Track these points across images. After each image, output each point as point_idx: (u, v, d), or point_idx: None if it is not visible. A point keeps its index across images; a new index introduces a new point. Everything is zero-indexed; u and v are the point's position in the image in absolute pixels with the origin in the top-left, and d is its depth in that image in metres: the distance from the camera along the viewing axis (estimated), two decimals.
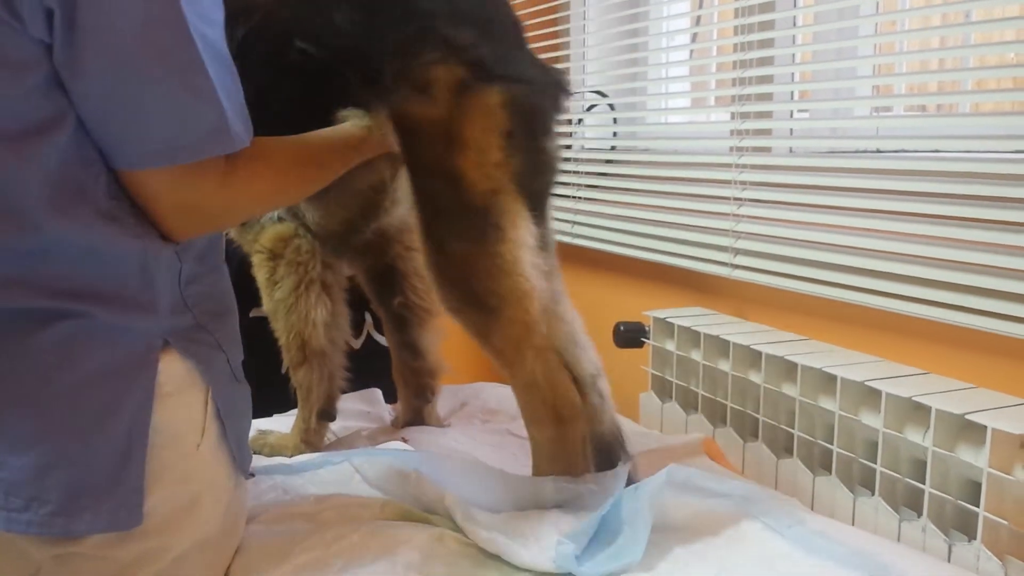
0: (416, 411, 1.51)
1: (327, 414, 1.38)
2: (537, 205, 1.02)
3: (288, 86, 1.09)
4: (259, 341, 1.63)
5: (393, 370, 1.52)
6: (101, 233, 0.84)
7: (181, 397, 0.90)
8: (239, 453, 0.99)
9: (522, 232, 1.00)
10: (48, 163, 0.80)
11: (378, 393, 1.61)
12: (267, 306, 1.33)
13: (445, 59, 0.96)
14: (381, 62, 1.00)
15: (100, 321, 0.85)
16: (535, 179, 1.02)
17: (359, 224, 1.31)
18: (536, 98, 1.01)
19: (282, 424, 1.45)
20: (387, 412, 1.60)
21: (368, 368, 1.55)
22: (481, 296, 1.01)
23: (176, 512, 0.90)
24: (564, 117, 1.13)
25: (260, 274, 1.33)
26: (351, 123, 1.07)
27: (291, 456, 1.32)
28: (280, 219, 1.31)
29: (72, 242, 0.83)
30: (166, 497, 0.88)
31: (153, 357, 0.88)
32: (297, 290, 1.31)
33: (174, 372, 0.90)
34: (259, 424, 1.45)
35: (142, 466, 0.86)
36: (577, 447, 1.10)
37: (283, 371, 1.51)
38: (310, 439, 1.35)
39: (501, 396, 1.63)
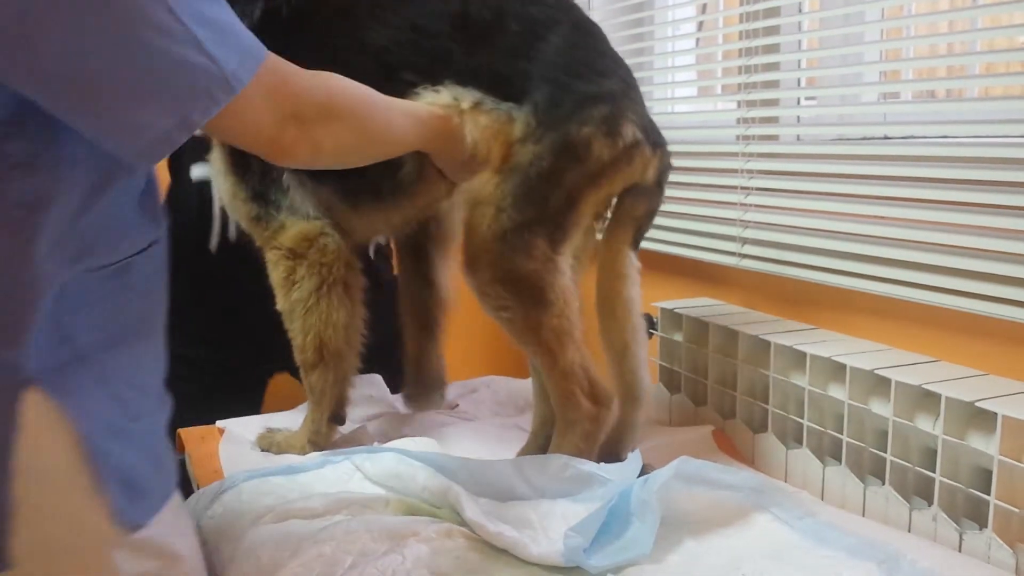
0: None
1: (338, 418, 1.37)
2: (639, 241, 1.22)
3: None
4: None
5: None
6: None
7: (43, 436, 0.80)
8: (126, 500, 0.86)
9: (570, 256, 1.17)
10: None
11: (379, 379, 1.60)
12: (282, 305, 1.31)
13: (632, 120, 1.14)
14: (534, 91, 1.13)
15: None
16: (649, 222, 1.21)
17: (401, 232, 1.39)
18: (668, 159, 1.20)
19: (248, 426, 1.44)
20: (391, 398, 1.59)
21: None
22: (542, 290, 1.13)
23: (42, 559, 0.81)
24: None
25: (276, 273, 1.30)
26: (431, 106, 1.12)
27: (299, 454, 1.32)
28: (308, 217, 1.29)
29: None
30: (31, 541, 0.80)
31: (10, 397, 0.78)
32: (319, 291, 1.28)
33: (35, 409, 0.79)
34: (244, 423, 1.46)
35: (6, 509, 0.78)
36: (602, 432, 1.19)
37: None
38: (318, 441, 1.34)
39: (512, 389, 1.63)
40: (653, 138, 1.16)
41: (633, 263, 1.20)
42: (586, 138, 1.11)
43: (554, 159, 1.11)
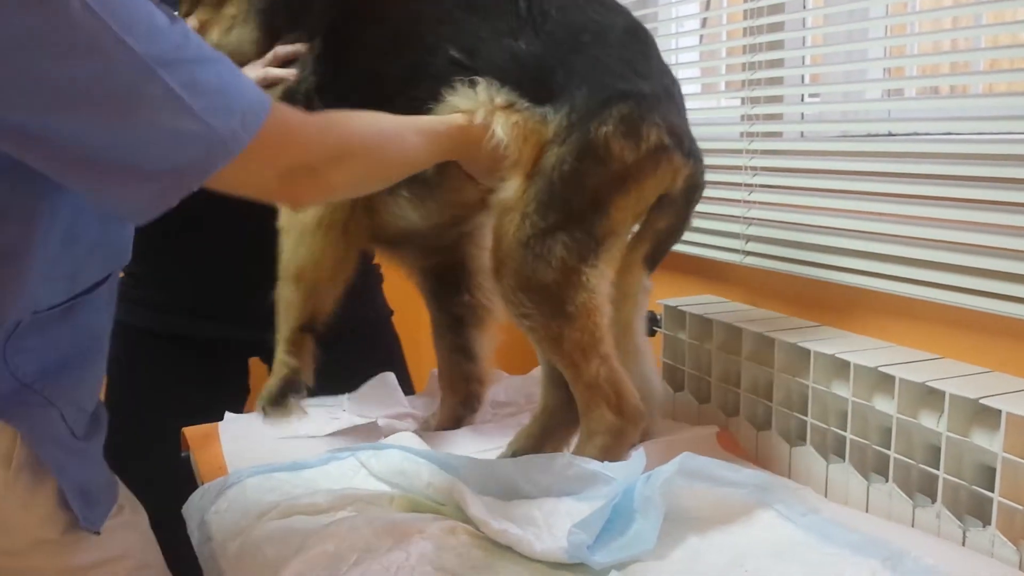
0: (458, 420, 1.48)
1: (310, 328, 1.32)
2: (656, 261, 1.17)
3: (423, 87, 1.13)
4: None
5: (439, 376, 1.50)
6: None
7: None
8: (86, 508, 0.95)
9: (610, 270, 1.12)
10: None
11: (391, 377, 1.59)
12: (282, 220, 1.28)
13: (661, 123, 1.10)
14: (570, 89, 1.10)
15: None
16: (671, 240, 1.17)
17: (444, 232, 1.33)
18: (701, 176, 1.16)
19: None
20: (404, 399, 1.59)
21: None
22: (562, 302, 1.10)
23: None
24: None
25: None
26: (455, 115, 1.09)
27: (281, 380, 1.29)
28: None
29: None
30: None
31: None
32: (317, 225, 1.26)
33: None
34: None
35: None
36: (624, 447, 1.15)
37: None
38: (296, 352, 1.29)
39: (510, 387, 1.62)
40: (686, 147, 1.13)
41: (642, 284, 1.15)
42: (604, 138, 1.08)
43: (576, 161, 1.08)
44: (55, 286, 0.90)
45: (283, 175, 0.88)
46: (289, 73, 1.27)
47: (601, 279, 1.11)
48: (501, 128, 1.08)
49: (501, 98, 1.10)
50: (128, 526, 1.03)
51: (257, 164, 0.84)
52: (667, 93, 1.14)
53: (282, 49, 1.29)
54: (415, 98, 1.13)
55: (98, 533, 0.97)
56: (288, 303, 1.30)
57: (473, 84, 1.11)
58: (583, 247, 1.09)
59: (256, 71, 1.29)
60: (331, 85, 1.22)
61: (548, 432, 1.23)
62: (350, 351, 1.48)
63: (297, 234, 1.27)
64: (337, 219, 1.26)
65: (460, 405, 1.48)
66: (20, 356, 0.88)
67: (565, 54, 1.11)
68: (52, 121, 0.74)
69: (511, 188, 1.11)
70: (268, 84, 1.24)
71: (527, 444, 1.23)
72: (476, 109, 1.09)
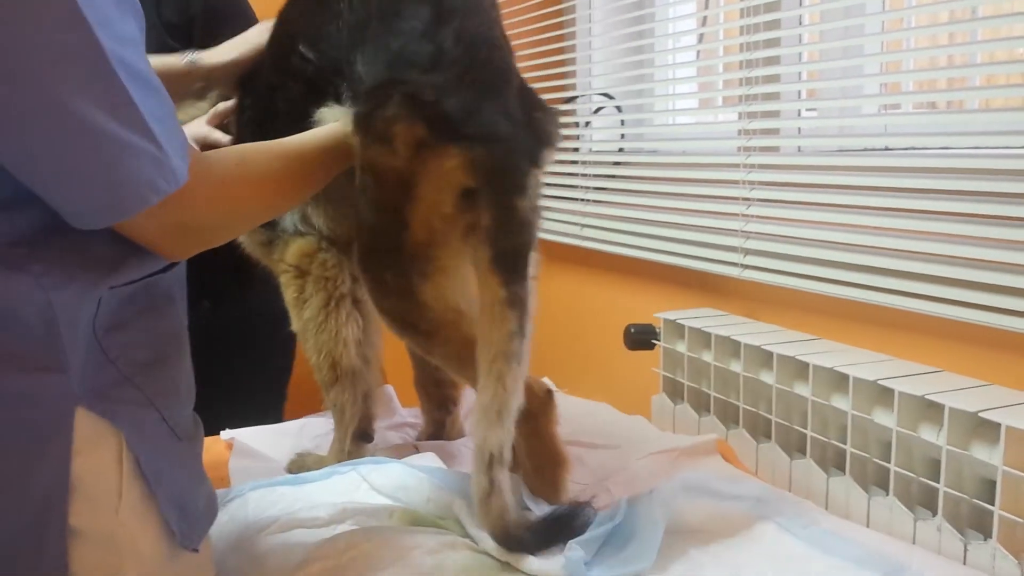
0: (439, 424, 1.50)
1: (365, 435, 1.35)
2: (510, 263, 0.98)
3: (292, 88, 1.13)
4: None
5: (414, 382, 1.51)
6: None
7: (90, 454, 0.80)
8: (180, 523, 0.87)
9: (452, 279, 1.02)
10: None
11: (390, 390, 1.60)
12: (296, 325, 1.30)
13: (406, 116, 0.95)
14: (353, 89, 1.04)
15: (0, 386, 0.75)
16: (506, 237, 0.97)
17: None
18: (503, 157, 0.97)
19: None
20: (401, 411, 1.59)
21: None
22: (413, 323, 1.05)
23: None
24: (561, 144, 1.11)
25: (288, 293, 1.30)
26: (330, 126, 1.03)
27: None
28: (300, 232, 1.29)
29: None
30: (80, 563, 0.79)
31: (66, 423, 0.78)
32: (327, 307, 1.27)
33: (85, 431, 0.79)
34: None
35: (63, 539, 0.78)
36: (553, 438, 1.12)
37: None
38: (347, 460, 1.31)
39: None
40: (464, 131, 0.95)
41: (495, 293, 0.96)
42: (361, 148, 0.98)
43: (361, 175, 1.00)
44: (122, 261, 0.83)
45: (166, 229, 0.82)
46: (226, 138, 1.33)
47: (440, 292, 1.02)
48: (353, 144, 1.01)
49: (343, 112, 1.04)
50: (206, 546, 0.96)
51: (159, 210, 0.78)
52: (448, 65, 0.98)
53: (222, 106, 1.34)
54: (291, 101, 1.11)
55: (196, 551, 0.90)
56: (341, 408, 1.31)
57: (331, 107, 1.07)
58: (404, 267, 1.01)
59: (198, 128, 1.33)
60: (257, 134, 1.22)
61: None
62: (221, 351, 1.49)
63: (313, 326, 1.28)
64: (343, 292, 1.28)
65: (436, 409, 1.50)
66: (115, 344, 0.83)
67: (362, 36, 1.04)
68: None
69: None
70: (206, 146, 1.27)
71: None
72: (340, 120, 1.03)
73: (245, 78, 1.30)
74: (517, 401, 0.97)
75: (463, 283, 1.03)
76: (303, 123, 1.06)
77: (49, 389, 0.77)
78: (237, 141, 1.27)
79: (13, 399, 0.76)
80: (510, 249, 0.98)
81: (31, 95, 0.69)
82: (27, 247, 0.76)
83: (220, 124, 1.37)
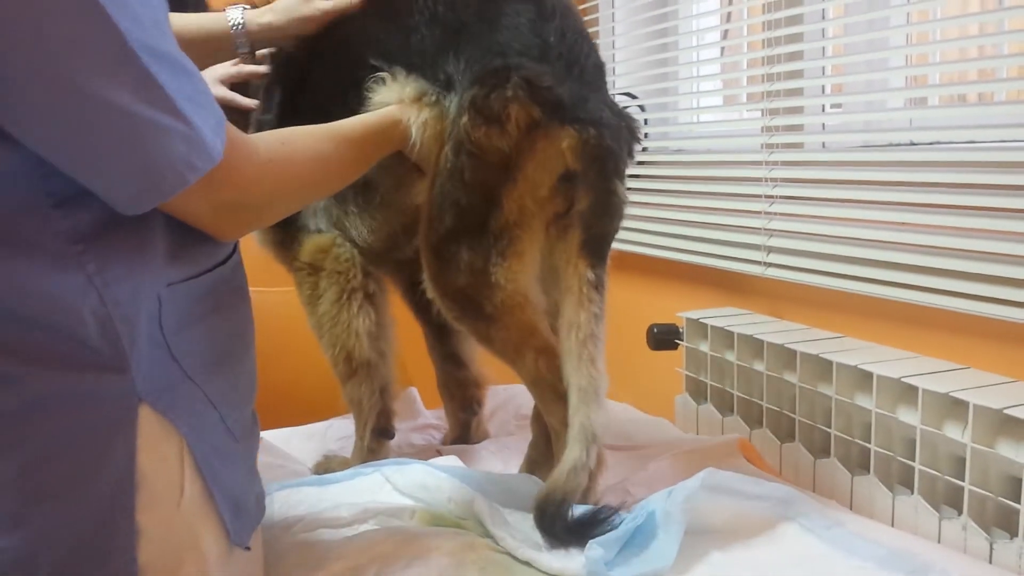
0: (464, 425, 1.50)
1: (385, 432, 1.35)
2: (598, 247, 1.05)
3: (352, 97, 1.12)
4: None
5: (437, 384, 1.51)
6: (42, 284, 0.75)
7: (154, 450, 0.81)
8: (235, 521, 0.88)
9: (525, 264, 1.05)
10: None
11: (415, 392, 1.60)
12: (311, 322, 1.32)
13: (524, 98, 1.00)
14: (457, 80, 1.05)
15: (58, 387, 0.76)
16: (601, 220, 1.04)
17: (401, 240, 1.30)
18: (609, 141, 1.03)
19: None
20: (425, 413, 1.60)
21: None
22: (479, 304, 1.06)
23: (155, 574, 0.81)
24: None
25: (303, 291, 1.32)
26: (380, 111, 1.07)
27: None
28: (319, 230, 1.30)
29: (7, 297, 0.74)
30: (144, 558, 0.80)
31: (129, 421, 0.79)
32: (339, 301, 1.28)
33: (149, 428, 0.80)
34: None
35: (132, 536, 0.79)
36: None
37: None
38: (371, 459, 1.32)
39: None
40: (569, 114, 1.01)
41: (584, 275, 1.03)
42: (465, 129, 1.01)
43: (455, 157, 1.02)
44: (179, 254, 0.85)
45: (217, 209, 0.84)
46: (252, 103, 1.31)
47: (513, 275, 1.05)
48: (415, 128, 1.05)
49: (410, 88, 1.07)
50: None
51: (200, 191, 0.80)
52: (555, 57, 1.03)
53: (246, 69, 1.32)
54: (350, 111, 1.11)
55: (248, 548, 0.92)
56: (357, 402, 1.32)
57: (383, 81, 1.09)
58: (484, 246, 1.04)
59: (220, 91, 1.31)
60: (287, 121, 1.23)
61: (536, 465, 1.23)
62: None
63: (328, 321, 1.29)
64: (355, 286, 1.29)
65: (460, 410, 1.50)
66: (182, 343, 0.84)
67: (456, 38, 1.07)
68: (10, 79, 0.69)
69: (422, 191, 1.09)
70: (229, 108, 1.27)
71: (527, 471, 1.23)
72: (394, 103, 1.06)
73: (280, 62, 1.29)
74: (607, 381, 1.03)
75: (535, 271, 1.07)
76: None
77: (110, 388, 0.78)
78: (274, 122, 1.26)
79: (75, 398, 0.77)
80: (600, 234, 1.05)
81: (53, 84, 0.70)
82: (84, 244, 0.76)
83: (235, 86, 1.35)
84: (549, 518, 0.99)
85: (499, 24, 1.05)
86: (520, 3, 1.06)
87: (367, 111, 1.08)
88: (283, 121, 1.23)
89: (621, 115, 1.08)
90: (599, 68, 1.12)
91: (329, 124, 1.01)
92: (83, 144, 0.73)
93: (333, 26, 1.21)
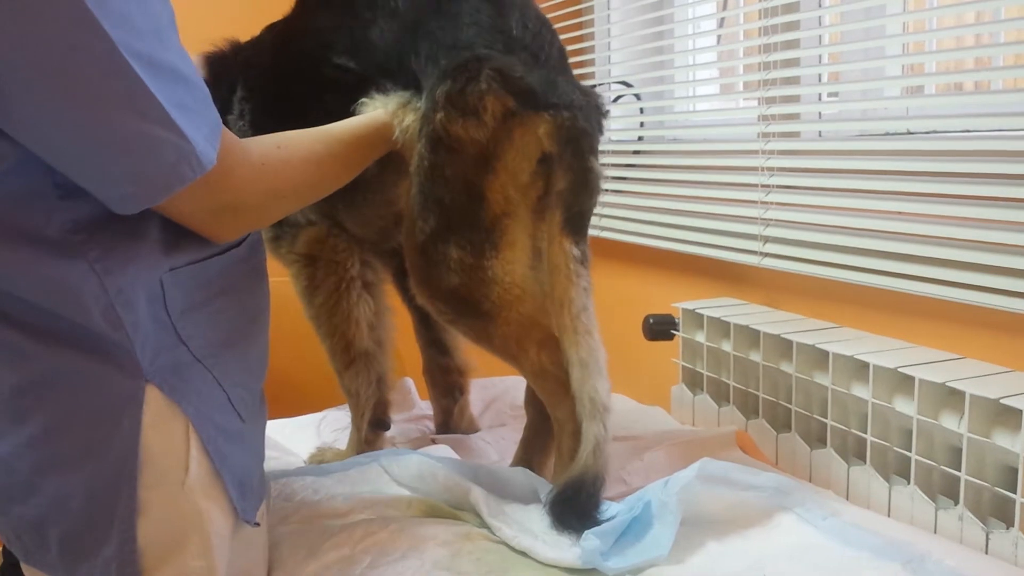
0: (446, 411, 1.51)
1: (381, 423, 1.35)
2: (579, 223, 1.05)
3: (328, 99, 1.12)
4: None
5: (422, 369, 1.52)
6: (46, 271, 0.78)
7: (160, 429, 0.84)
8: (241, 499, 0.91)
9: (519, 253, 1.05)
10: None
11: (410, 382, 1.60)
12: (308, 313, 1.31)
13: (497, 89, 1.00)
14: (423, 77, 1.05)
15: (66, 365, 0.80)
16: (580, 197, 1.04)
17: (393, 232, 1.29)
18: (583, 121, 1.04)
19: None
20: (420, 403, 1.60)
21: None
22: (476, 302, 1.05)
23: (158, 550, 0.84)
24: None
25: (299, 283, 1.31)
26: (369, 114, 1.07)
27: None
28: (311, 222, 1.30)
29: (14, 281, 0.78)
30: (147, 535, 0.83)
31: (135, 402, 0.82)
32: (338, 290, 1.28)
33: (156, 407, 0.83)
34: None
35: (133, 514, 0.82)
36: None
37: None
38: (368, 450, 1.31)
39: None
40: (542, 100, 1.02)
41: (569, 252, 1.03)
42: (442, 124, 1.00)
43: (431, 155, 1.02)
44: (181, 240, 0.87)
45: (213, 211, 0.86)
46: None
47: (510, 266, 1.05)
48: (399, 130, 1.05)
49: (392, 103, 1.07)
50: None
51: (195, 194, 0.81)
52: (521, 48, 1.05)
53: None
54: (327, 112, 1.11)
55: (257, 524, 0.94)
56: (355, 392, 1.32)
57: (374, 98, 1.09)
58: (475, 242, 1.03)
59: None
60: (259, 124, 1.24)
61: (531, 450, 1.21)
62: None
63: (326, 311, 1.29)
64: (353, 275, 1.29)
65: (443, 397, 1.50)
66: (189, 325, 0.86)
67: (414, 36, 1.07)
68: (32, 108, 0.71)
69: (405, 192, 1.08)
70: None
71: (519, 463, 1.22)
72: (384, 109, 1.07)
73: (241, 64, 1.29)
74: (606, 353, 1.03)
75: (528, 258, 1.06)
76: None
77: (115, 370, 0.82)
78: (249, 131, 1.26)
79: (82, 377, 0.81)
80: (579, 211, 1.05)
81: (43, 92, 0.71)
82: (87, 233, 0.79)
83: None
84: (585, 500, 0.98)
85: (460, 21, 1.05)
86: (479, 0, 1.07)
87: (348, 109, 1.09)
88: (261, 127, 1.22)
89: (588, 93, 1.08)
90: (563, 52, 1.14)
91: (323, 127, 1.02)
92: (73, 149, 0.75)
93: (294, 27, 1.22)
